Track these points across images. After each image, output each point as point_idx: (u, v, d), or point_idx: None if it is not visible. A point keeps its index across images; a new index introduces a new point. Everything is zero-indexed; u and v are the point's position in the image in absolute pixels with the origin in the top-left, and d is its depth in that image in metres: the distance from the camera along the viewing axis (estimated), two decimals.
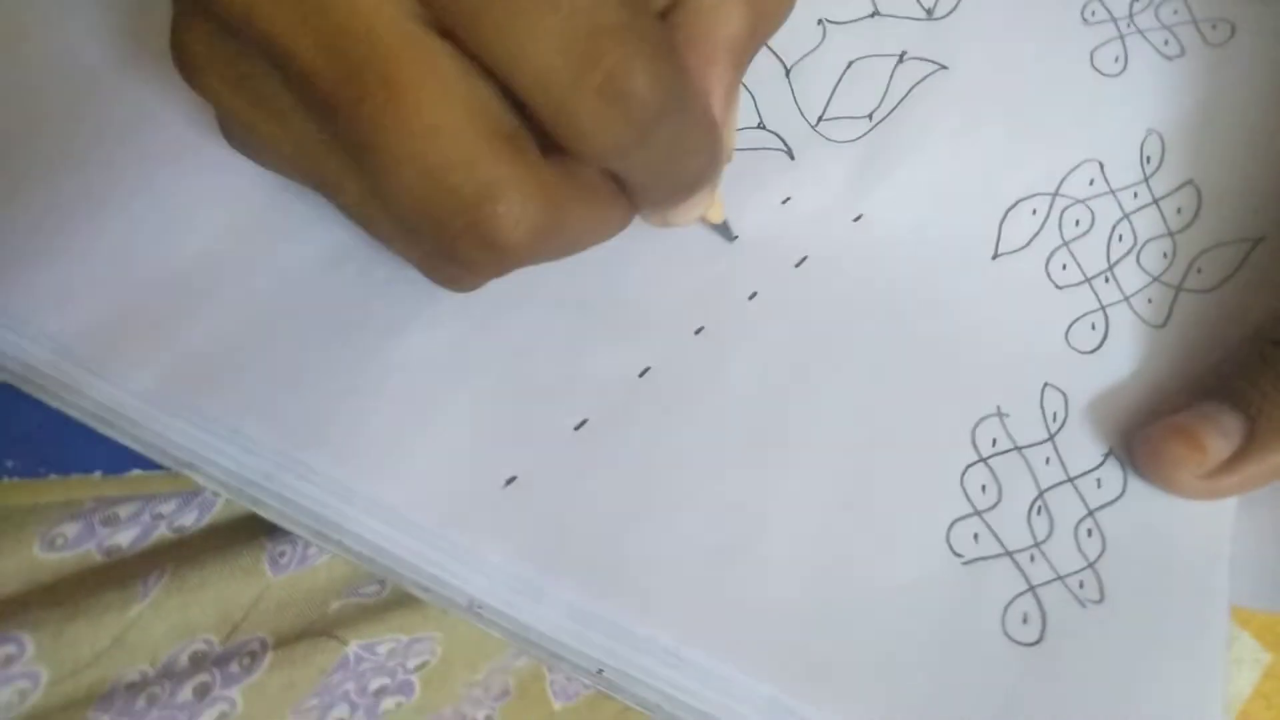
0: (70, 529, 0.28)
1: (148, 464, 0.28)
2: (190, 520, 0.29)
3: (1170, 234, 0.33)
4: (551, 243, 0.22)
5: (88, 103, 0.31)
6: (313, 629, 0.29)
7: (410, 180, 0.20)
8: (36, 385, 0.28)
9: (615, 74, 0.19)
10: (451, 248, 0.21)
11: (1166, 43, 0.35)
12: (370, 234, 0.26)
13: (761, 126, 0.34)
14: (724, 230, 0.31)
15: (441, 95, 0.19)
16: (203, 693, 0.28)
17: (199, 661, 0.28)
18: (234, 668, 0.28)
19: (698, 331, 0.30)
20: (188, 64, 0.22)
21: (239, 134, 0.25)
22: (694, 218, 0.28)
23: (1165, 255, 0.33)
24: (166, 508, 0.29)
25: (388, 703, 0.30)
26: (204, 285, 0.29)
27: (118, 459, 0.28)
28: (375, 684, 0.29)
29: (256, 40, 0.20)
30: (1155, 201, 0.33)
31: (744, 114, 0.34)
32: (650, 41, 0.19)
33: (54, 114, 0.30)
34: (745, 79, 0.34)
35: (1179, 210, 0.33)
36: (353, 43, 0.19)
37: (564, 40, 0.18)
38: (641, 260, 0.31)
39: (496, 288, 0.29)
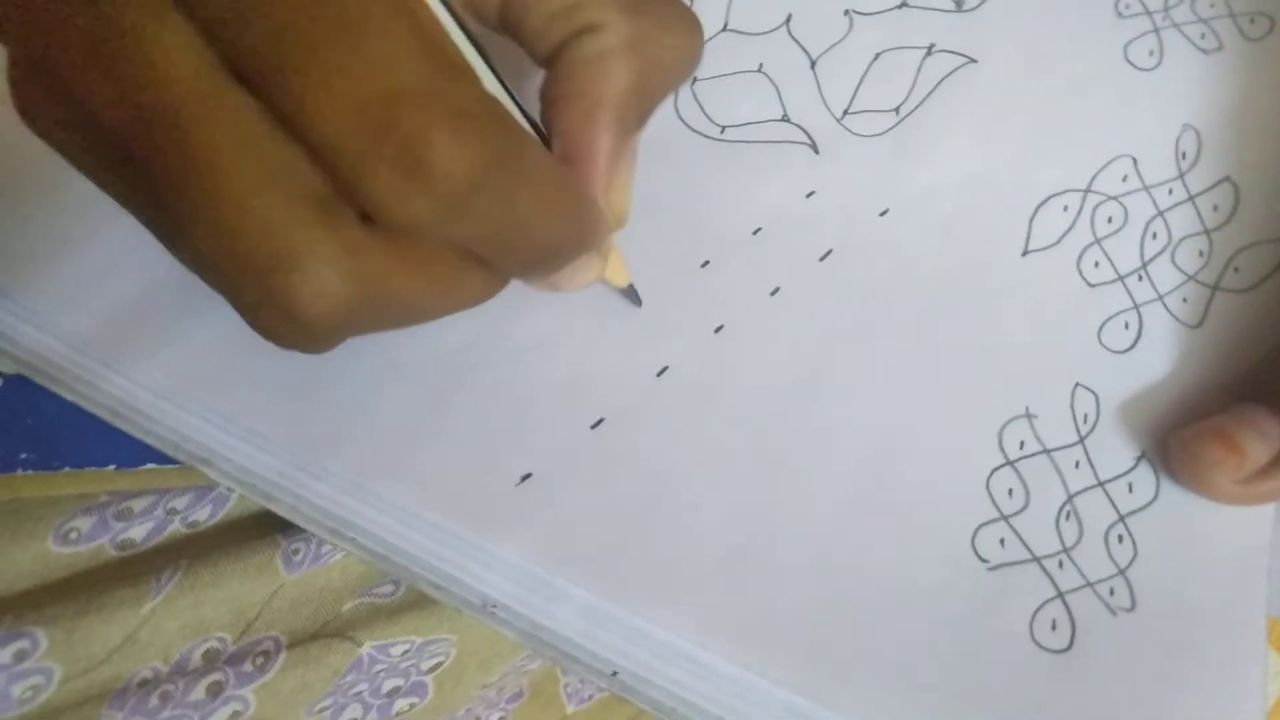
0: (84, 523, 0.28)
1: (162, 458, 0.28)
2: (204, 515, 0.29)
3: (1206, 232, 0.32)
4: (374, 315, 0.20)
5: None
6: (327, 629, 0.29)
7: (204, 245, 0.18)
8: (52, 378, 0.27)
9: (410, 143, 0.17)
10: (251, 318, 0.19)
11: (1203, 36, 0.35)
12: None
13: (785, 119, 0.33)
14: (630, 295, 0.29)
15: (236, 153, 0.17)
16: (216, 691, 0.27)
17: (212, 660, 0.28)
18: (247, 666, 0.28)
19: (718, 330, 0.29)
20: (22, 109, 0.19)
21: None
22: (583, 284, 0.26)
23: (1201, 253, 0.32)
24: (180, 502, 0.29)
25: (401, 704, 0.29)
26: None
27: (132, 453, 0.28)
28: (389, 685, 0.29)
29: (60, 87, 0.18)
30: (1191, 198, 0.32)
31: (767, 106, 0.33)
32: (459, 107, 0.17)
33: None
34: (769, 69, 0.34)
35: (1215, 207, 0.32)
36: (148, 95, 0.17)
37: (356, 103, 0.16)
38: (660, 258, 0.30)
39: (513, 286, 0.29)
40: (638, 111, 0.23)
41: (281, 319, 0.18)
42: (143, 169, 0.17)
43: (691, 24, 0.24)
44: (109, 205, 0.28)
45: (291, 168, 0.17)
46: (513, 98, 0.21)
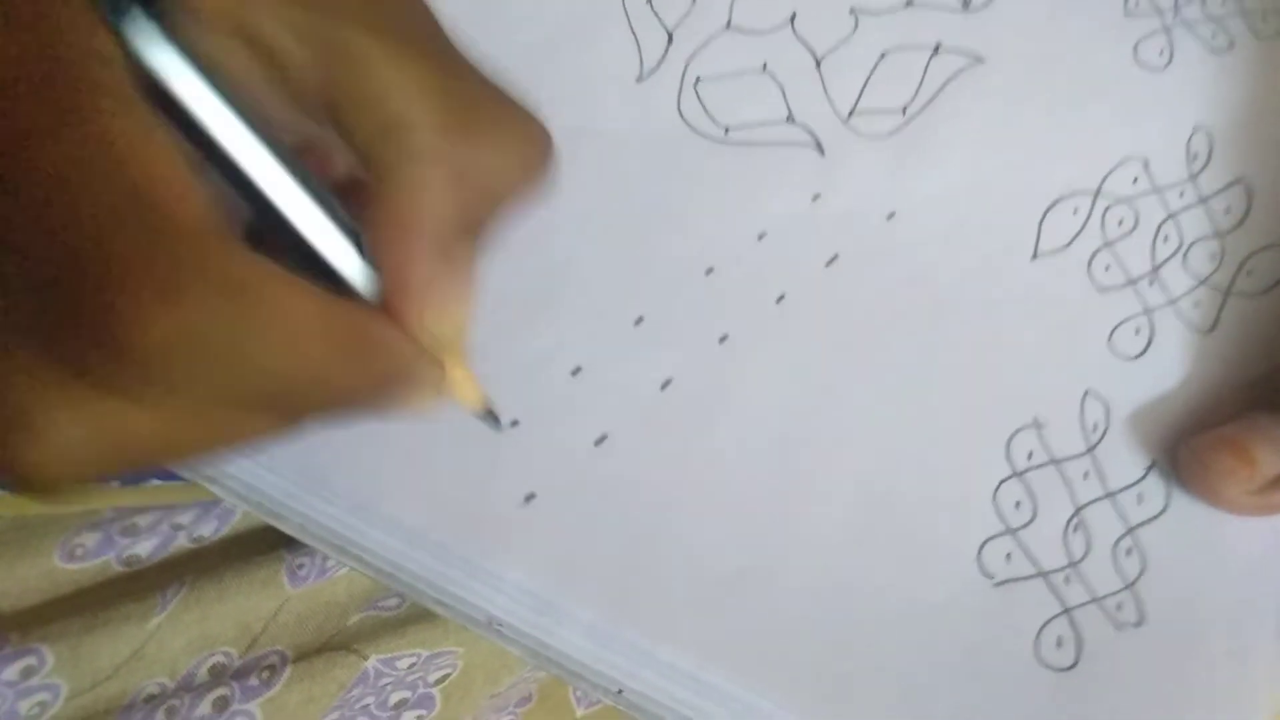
0: (89, 539, 0.28)
1: (167, 474, 0.28)
2: (209, 530, 0.29)
3: (1219, 235, 0.31)
4: (114, 463, 0.17)
5: None
6: (332, 643, 0.29)
7: None
8: None
9: (95, 313, 0.15)
10: None
11: (1214, 35, 0.34)
12: None
13: (790, 120, 0.33)
14: (489, 420, 0.25)
15: None
16: (222, 706, 0.27)
17: (218, 674, 0.28)
18: (253, 681, 0.28)
19: (722, 339, 0.29)
20: None
21: None
22: (422, 414, 0.23)
23: (1213, 257, 0.31)
24: (185, 518, 0.29)
25: (409, 716, 0.30)
26: None
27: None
28: (396, 697, 0.29)
29: None
30: (1203, 201, 0.32)
31: (771, 107, 0.33)
32: (154, 273, 0.15)
33: None
34: (774, 69, 0.33)
35: (1228, 210, 0.32)
36: None
37: (50, 265, 0.15)
38: (662, 265, 0.30)
39: (513, 298, 0.29)
40: (465, 241, 0.21)
41: (17, 479, 0.17)
42: None
43: (530, 136, 0.22)
44: None
45: (16, 321, 0.16)
46: (329, 214, 0.19)
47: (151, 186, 0.16)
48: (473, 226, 0.21)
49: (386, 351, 0.20)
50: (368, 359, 0.19)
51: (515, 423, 0.27)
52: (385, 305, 0.20)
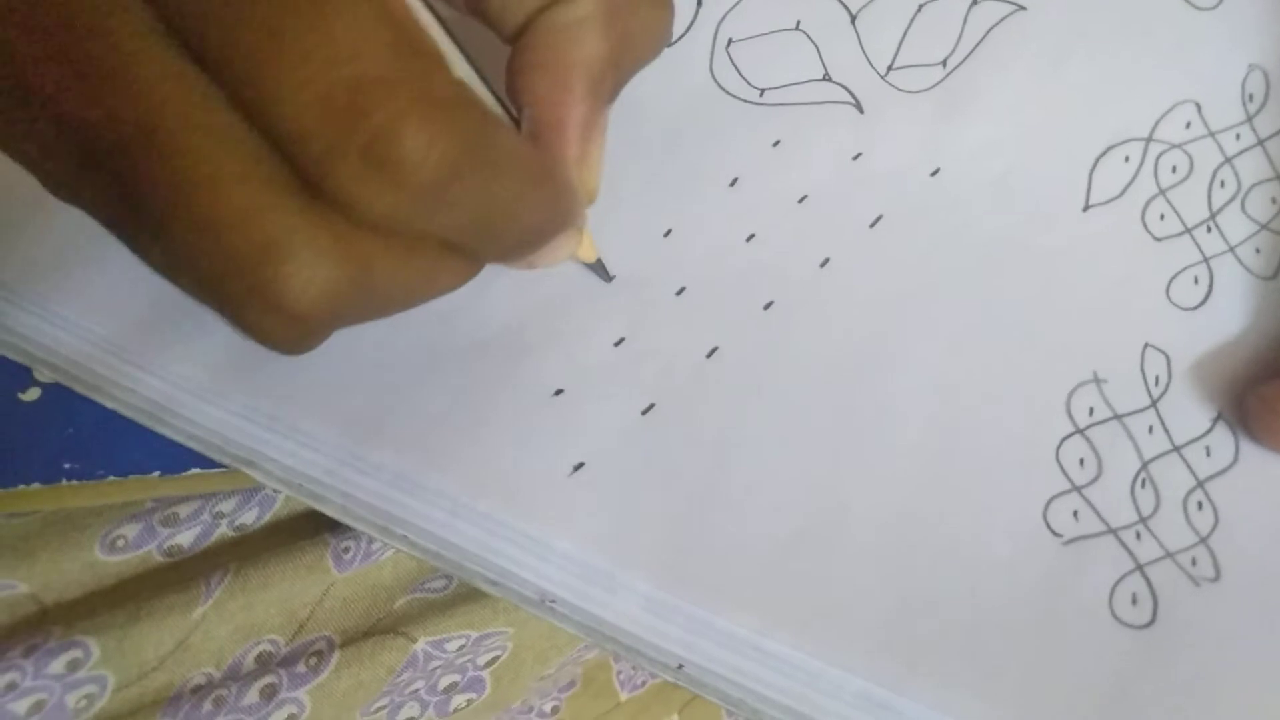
0: (130, 530, 0.27)
1: (206, 462, 0.27)
2: (251, 518, 0.29)
3: (1278, 177, 0.30)
4: (360, 305, 0.19)
5: None
6: (379, 626, 0.28)
7: (183, 243, 0.17)
8: (91, 385, 0.27)
9: (381, 136, 0.16)
10: (239, 316, 0.18)
11: None
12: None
13: (827, 79, 0.32)
14: (599, 270, 0.28)
15: (211, 145, 0.16)
16: (270, 694, 0.27)
17: (265, 662, 0.27)
18: (301, 668, 0.27)
19: (767, 306, 0.28)
20: None
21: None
22: (558, 260, 0.24)
23: (1274, 201, 0.30)
24: (226, 506, 0.28)
25: (458, 700, 0.29)
26: None
27: (175, 458, 0.27)
28: (445, 681, 0.29)
29: (18, 85, 0.16)
30: (1260, 143, 0.31)
31: (807, 66, 0.32)
32: (428, 96, 0.16)
33: None
34: (807, 27, 0.32)
35: None
36: (114, 90, 0.16)
37: (321, 93, 0.15)
38: (702, 233, 0.29)
39: (558, 266, 0.28)
40: (611, 83, 0.22)
41: (272, 314, 0.18)
42: (111, 168, 0.16)
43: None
44: None
45: (268, 158, 0.17)
46: (484, 80, 0.20)
47: (410, 22, 0.17)
48: (618, 77, 0.23)
49: (569, 191, 0.21)
50: (556, 196, 0.20)
51: (560, 391, 0.27)
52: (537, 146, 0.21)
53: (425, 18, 0.18)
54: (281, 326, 0.18)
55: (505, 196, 0.18)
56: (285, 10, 0.15)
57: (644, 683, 0.35)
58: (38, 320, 0.27)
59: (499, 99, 0.21)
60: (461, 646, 0.28)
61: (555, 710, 0.33)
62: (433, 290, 0.20)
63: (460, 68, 0.19)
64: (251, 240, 0.16)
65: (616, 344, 0.27)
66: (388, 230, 0.18)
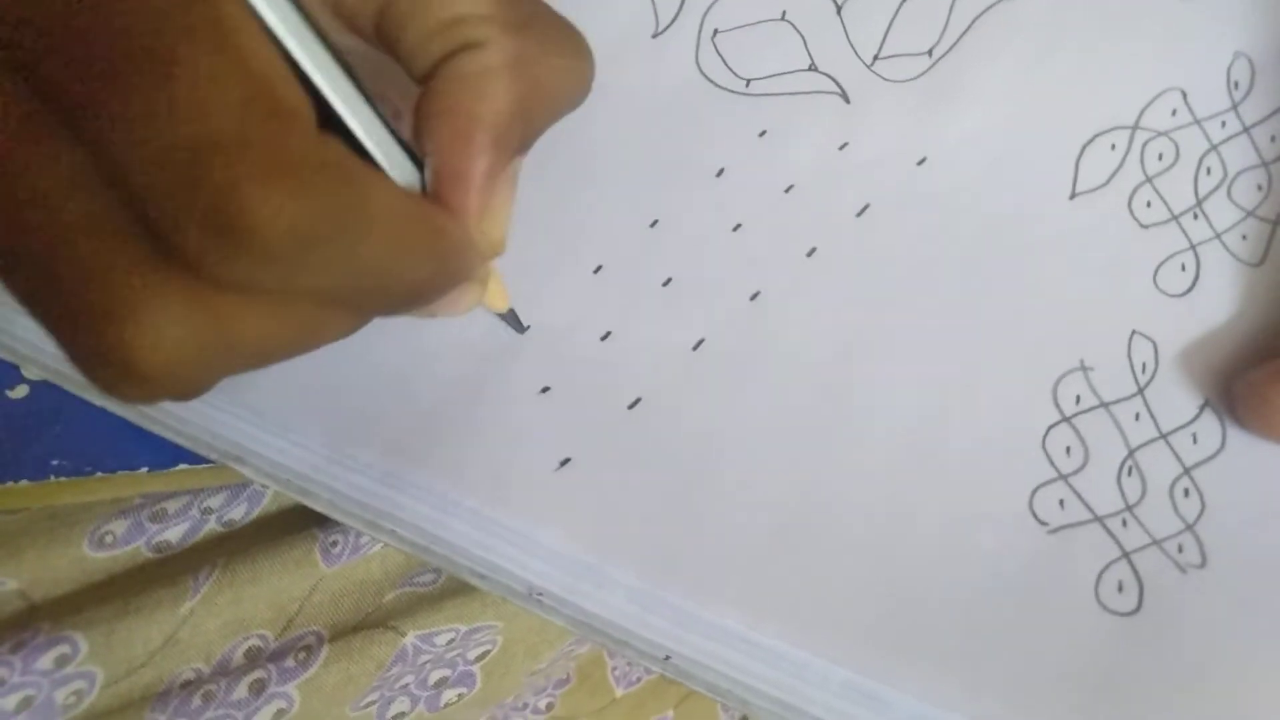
0: (119, 526, 0.27)
1: (194, 458, 0.27)
2: (239, 514, 0.29)
3: (1264, 164, 0.30)
4: (226, 361, 0.17)
5: None
6: (369, 620, 0.28)
7: (33, 291, 0.16)
8: (79, 383, 0.27)
9: (223, 200, 0.15)
10: (88, 373, 0.17)
11: None
12: None
13: (813, 69, 0.32)
14: (512, 321, 0.27)
15: (60, 196, 0.15)
16: (259, 689, 0.27)
17: (254, 657, 0.27)
18: (290, 662, 0.27)
19: (753, 297, 0.28)
20: None
21: None
22: (461, 311, 0.23)
23: (1260, 187, 0.30)
24: (215, 501, 0.28)
25: (449, 694, 0.29)
26: None
27: (163, 454, 0.27)
28: (435, 676, 0.29)
29: None
30: (1246, 130, 0.31)
31: (793, 56, 0.32)
32: (277, 161, 0.15)
33: None
34: (793, 17, 0.32)
35: (1273, 138, 0.30)
36: None
37: (162, 151, 0.15)
38: (688, 223, 0.29)
39: (543, 258, 0.28)
40: (519, 134, 0.22)
41: (119, 374, 0.16)
42: None
43: (580, 47, 0.23)
44: None
45: (120, 215, 0.16)
46: (385, 124, 0.19)
47: (271, 75, 0.16)
48: (526, 130, 0.22)
49: (458, 247, 0.20)
50: (443, 253, 0.19)
51: (546, 389, 0.27)
52: (439, 201, 0.20)
53: (304, 56, 0.17)
54: (132, 387, 0.17)
55: (378, 256, 0.17)
56: (132, 64, 0.14)
57: (639, 679, 0.35)
58: (26, 318, 0.27)
59: (403, 144, 0.20)
60: (451, 640, 0.28)
61: (550, 707, 0.33)
62: (315, 342, 0.19)
63: (346, 106, 0.18)
64: (97, 298, 0.16)
65: (603, 338, 0.27)
66: (253, 295, 0.17)
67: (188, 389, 0.18)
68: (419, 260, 0.19)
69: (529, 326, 0.27)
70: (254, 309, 0.17)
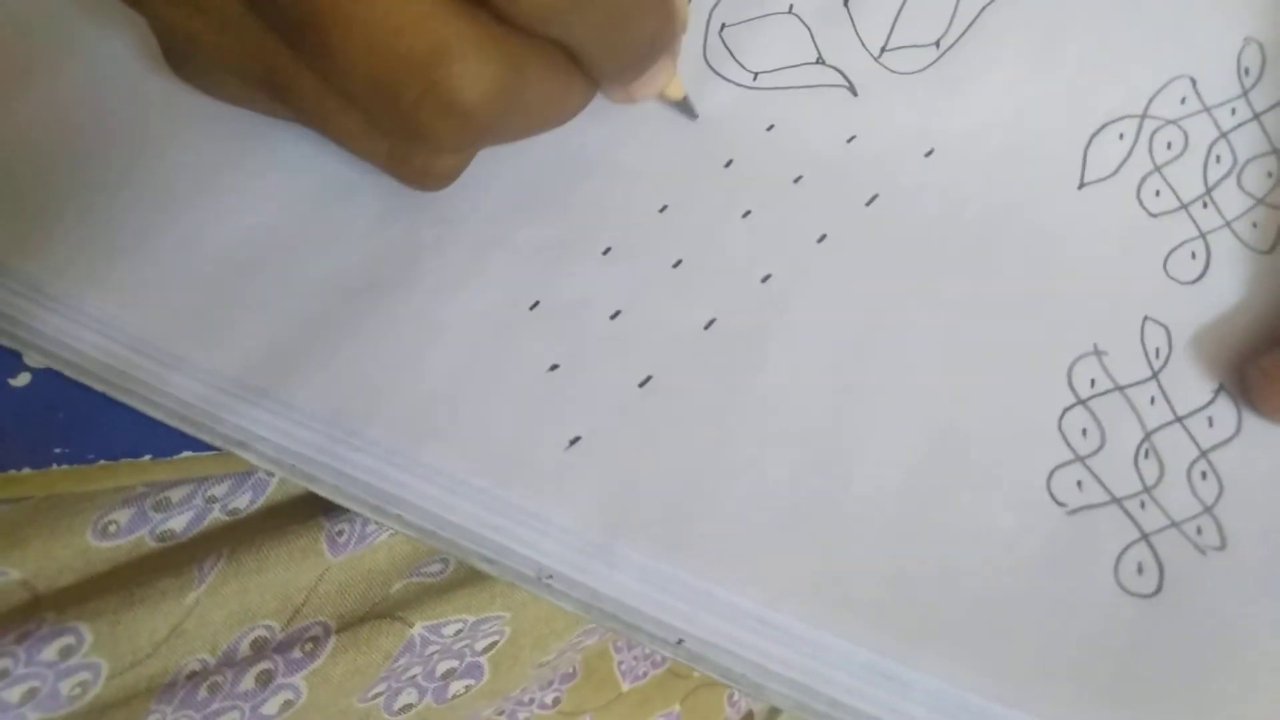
0: (122, 515, 0.27)
1: (198, 445, 0.27)
2: (244, 502, 0.28)
3: (1274, 151, 0.30)
4: (513, 108, 0.21)
5: (148, 111, 0.30)
6: (376, 611, 0.28)
7: (359, 52, 0.19)
8: (82, 370, 0.27)
9: None
10: (412, 118, 0.20)
11: None
12: (333, 137, 0.25)
13: (820, 62, 0.32)
14: (685, 107, 0.31)
15: None
16: (265, 680, 0.26)
17: (260, 648, 0.27)
18: (297, 654, 0.27)
19: (765, 279, 0.28)
20: None
21: (182, 55, 0.24)
22: (655, 90, 0.28)
23: (1270, 175, 0.30)
24: (219, 490, 0.28)
25: (456, 686, 0.28)
26: (247, 258, 0.28)
27: (166, 442, 0.27)
28: (443, 667, 0.28)
29: None
30: (1256, 117, 0.31)
31: (800, 49, 0.32)
32: None
33: (120, 124, 0.30)
34: (800, 10, 0.33)
35: None
36: None
37: None
38: (698, 209, 0.29)
39: (552, 241, 0.28)
40: None
41: (444, 112, 0.20)
42: (307, 21, 0.19)
43: None
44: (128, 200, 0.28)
45: None
46: None
47: None
48: None
49: (675, 8, 0.23)
50: (667, 8, 0.23)
51: (555, 366, 0.26)
52: None
53: None
54: (453, 127, 0.20)
55: (630, 5, 0.21)
56: None
57: (645, 673, 0.35)
58: (27, 303, 0.27)
59: None
60: (459, 631, 0.28)
61: (557, 701, 0.33)
62: (564, 106, 0.23)
63: None
64: (424, 43, 0.19)
65: (613, 317, 0.27)
66: (533, 35, 0.20)
67: (484, 134, 0.21)
68: (652, 17, 0.22)
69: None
70: (536, 58, 0.21)
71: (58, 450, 0.27)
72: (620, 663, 0.34)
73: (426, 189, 0.26)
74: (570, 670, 0.33)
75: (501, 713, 0.32)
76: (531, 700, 0.32)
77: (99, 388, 0.27)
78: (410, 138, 0.21)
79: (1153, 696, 0.23)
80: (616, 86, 0.26)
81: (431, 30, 0.19)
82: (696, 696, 0.35)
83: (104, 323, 0.27)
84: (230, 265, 0.28)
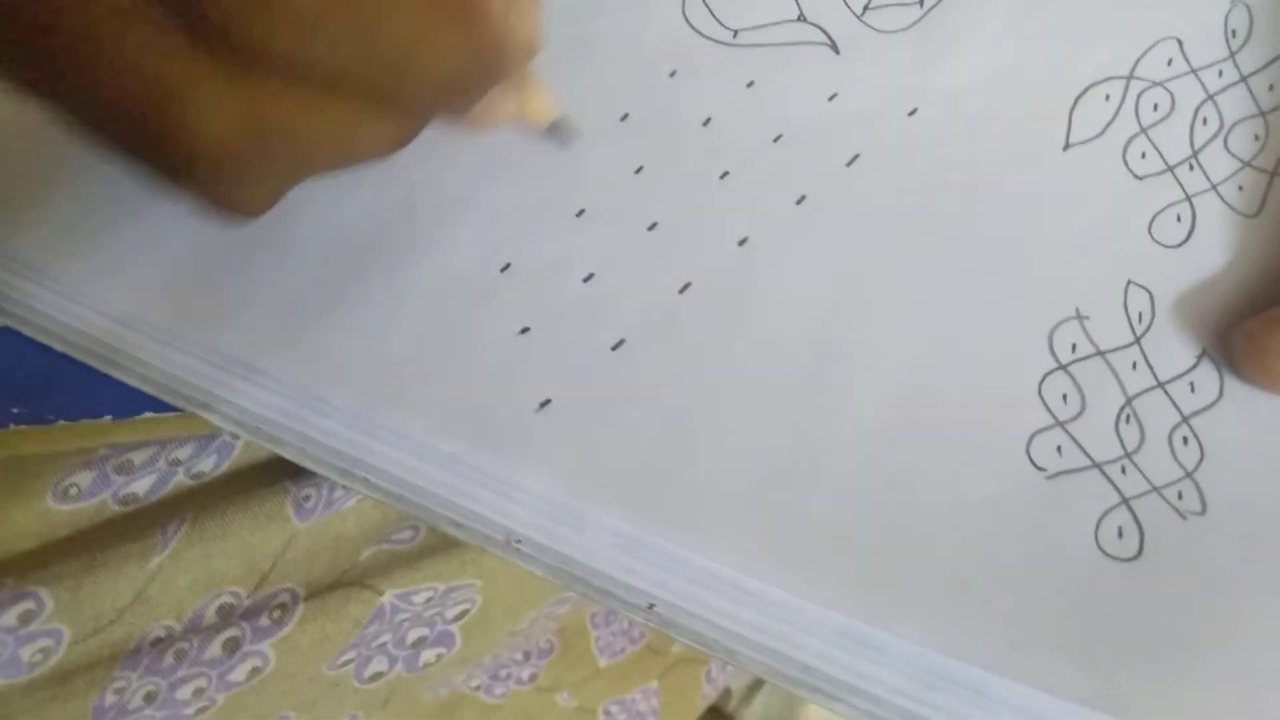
0: (83, 478, 0.26)
1: (160, 406, 0.26)
2: (209, 465, 0.28)
3: (1261, 114, 0.30)
4: (273, 149, 0.18)
5: None
6: (345, 579, 0.27)
7: (100, 103, 0.17)
8: (39, 328, 0.26)
9: None
10: (155, 166, 0.18)
11: None
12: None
13: (802, 19, 0.31)
14: (560, 134, 0.26)
15: (101, 11, 0.16)
16: (233, 648, 0.26)
17: (227, 615, 0.26)
18: (264, 621, 0.26)
19: (741, 242, 0.27)
20: None
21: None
22: (500, 119, 0.24)
23: (1256, 138, 0.29)
24: (183, 453, 0.27)
25: (428, 654, 0.28)
26: (214, 227, 0.27)
27: (128, 402, 0.26)
28: (414, 635, 0.28)
29: None
30: (1243, 79, 0.30)
31: (781, 6, 0.31)
32: None
33: None
34: None
35: (1271, 87, 0.30)
36: None
37: None
38: (674, 170, 0.28)
39: (525, 203, 0.27)
40: None
41: (185, 155, 0.17)
42: (36, 52, 0.17)
43: None
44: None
45: (152, 6, 0.16)
46: None
47: None
48: None
49: (491, 35, 0.19)
50: (472, 40, 0.19)
51: (526, 329, 0.26)
52: None
53: None
54: (199, 167, 0.18)
55: (402, 32, 0.17)
56: None
57: (623, 649, 0.34)
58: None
59: None
60: (429, 599, 0.27)
61: (534, 677, 0.33)
62: (356, 143, 0.19)
63: None
64: (147, 89, 0.17)
65: (586, 280, 0.27)
66: (284, 72, 0.17)
67: (249, 171, 0.18)
68: (445, 45, 0.18)
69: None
70: (292, 95, 0.18)
71: (16, 410, 0.26)
72: (598, 639, 0.34)
73: (235, 221, 0.21)
74: (547, 646, 0.33)
75: (478, 686, 0.32)
76: (509, 675, 0.31)
77: (58, 347, 0.26)
78: (162, 178, 0.19)
79: (1132, 660, 0.23)
80: (448, 118, 0.22)
81: (156, 74, 0.17)
82: (674, 673, 0.35)
83: (68, 285, 0.26)
84: (197, 236, 0.27)
